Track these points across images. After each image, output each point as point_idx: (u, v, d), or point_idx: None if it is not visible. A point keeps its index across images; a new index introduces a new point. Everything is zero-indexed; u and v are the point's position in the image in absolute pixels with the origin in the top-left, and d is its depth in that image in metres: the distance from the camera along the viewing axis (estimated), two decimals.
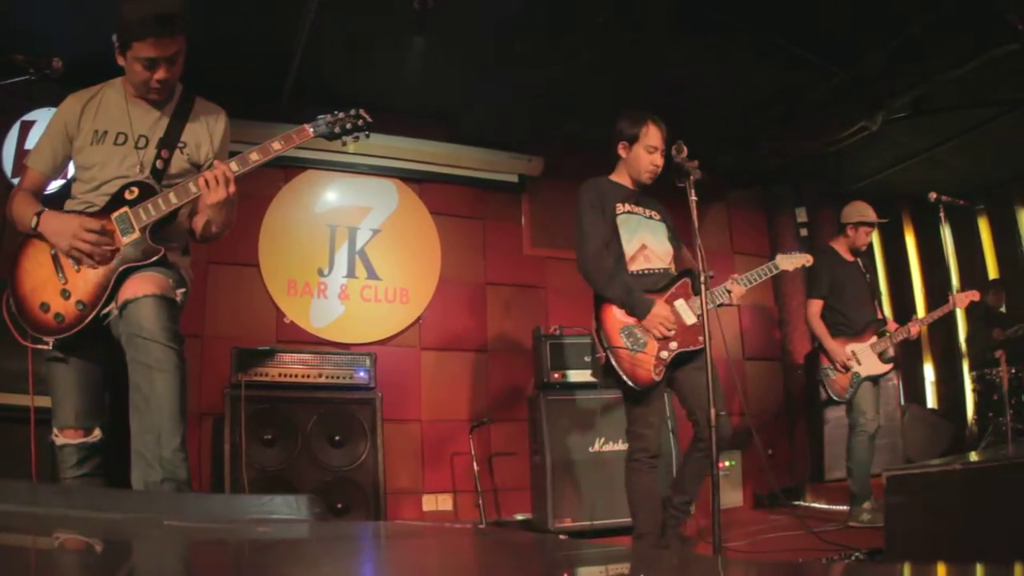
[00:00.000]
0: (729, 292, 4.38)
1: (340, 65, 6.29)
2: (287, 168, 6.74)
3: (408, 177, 7.26)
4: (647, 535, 4.18)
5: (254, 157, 3.31)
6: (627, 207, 4.43)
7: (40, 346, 3.16)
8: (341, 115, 3.49)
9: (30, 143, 5.94)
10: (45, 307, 3.14)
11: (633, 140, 4.42)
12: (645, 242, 4.38)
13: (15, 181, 5.81)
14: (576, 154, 7.59)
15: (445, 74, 6.34)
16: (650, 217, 4.48)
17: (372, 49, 6.04)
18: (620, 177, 4.58)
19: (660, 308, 4.18)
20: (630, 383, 4.14)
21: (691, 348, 4.19)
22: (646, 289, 4.28)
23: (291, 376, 5.59)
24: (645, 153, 4.38)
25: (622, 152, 4.50)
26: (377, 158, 7.01)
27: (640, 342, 4.18)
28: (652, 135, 4.41)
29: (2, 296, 3.22)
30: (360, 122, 3.51)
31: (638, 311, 4.20)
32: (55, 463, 3.30)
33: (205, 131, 3.51)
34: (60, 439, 3.20)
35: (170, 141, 3.38)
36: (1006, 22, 5.30)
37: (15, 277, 3.21)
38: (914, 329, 6.01)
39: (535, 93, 6.64)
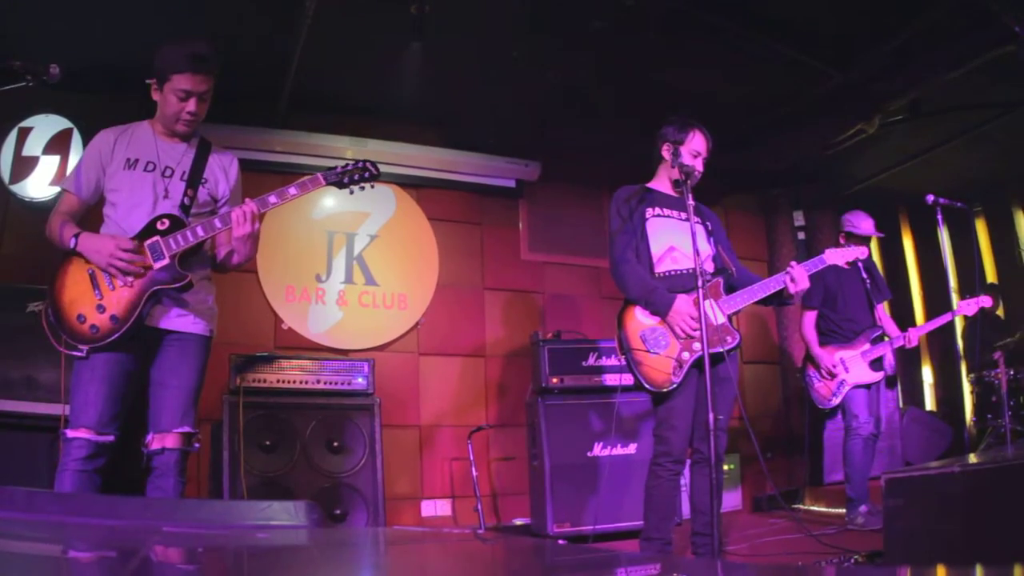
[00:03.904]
0: (791, 276, 4.29)
1: (338, 71, 6.30)
2: (284, 175, 6.72)
3: (406, 183, 7.26)
4: (655, 540, 4.18)
5: (272, 200, 3.72)
6: (658, 210, 4.43)
7: (74, 352, 3.47)
8: (351, 166, 3.92)
9: (27, 149, 5.97)
10: (82, 319, 3.47)
11: (678, 143, 4.41)
12: (673, 243, 4.36)
13: (12, 188, 5.84)
14: (574, 159, 7.63)
15: (442, 79, 6.34)
16: (685, 219, 4.45)
17: (369, 54, 6.04)
18: (659, 181, 4.61)
19: (682, 304, 4.15)
20: (647, 385, 4.15)
21: (717, 349, 4.16)
22: (672, 289, 4.26)
23: (289, 382, 5.58)
24: (689, 157, 4.37)
25: (665, 154, 4.50)
26: None
27: (660, 344, 4.17)
28: (697, 141, 4.44)
29: (36, 312, 3.68)
30: (367, 174, 3.95)
31: (660, 309, 4.19)
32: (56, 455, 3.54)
33: (222, 171, 3.92)
34: (73, 433, 3.40)
35: (195, 179, 3.78)
36: (1003, 24, 5.30)
37: (56, 290, 3.53)
38: (912, 337, 5.99)
39: (533, 98, 6.65)
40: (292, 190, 3.74)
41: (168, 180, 3.71)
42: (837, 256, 4.63)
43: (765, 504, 7.51)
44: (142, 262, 3.50)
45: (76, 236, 3.54)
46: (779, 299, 4.46)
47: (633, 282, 4.28)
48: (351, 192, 3.94)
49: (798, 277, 4.30)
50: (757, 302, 4.43)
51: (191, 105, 3.64)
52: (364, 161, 3.95)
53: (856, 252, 4.74)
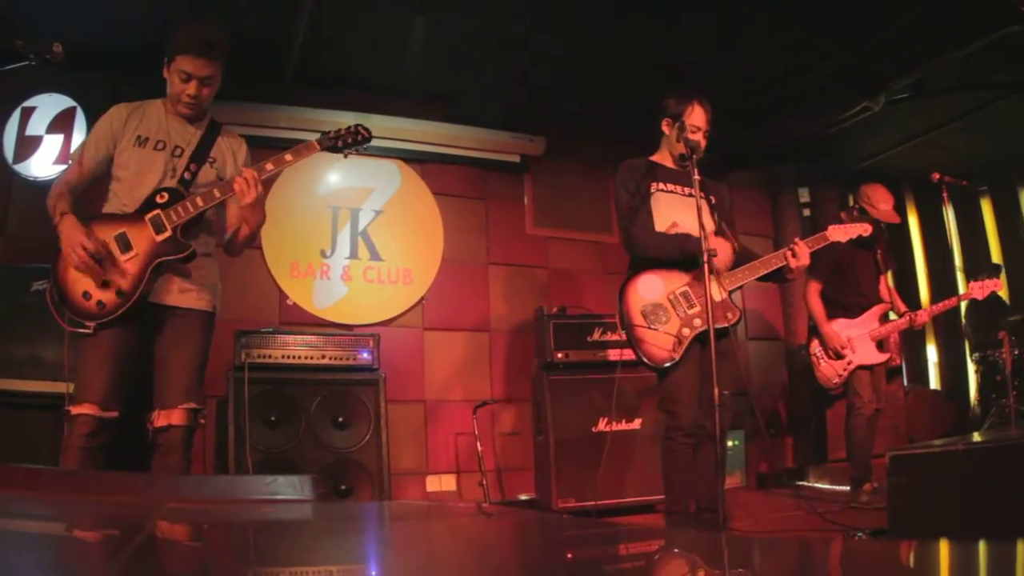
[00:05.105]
0: (793, 251, 4.32)
1: (342, 47, 6.27)
2: (289, 150, 6.73)
3: (410, 158, 7.24)
4: (676, 513, 4.20)
5: (268, 166, 3.76)
6: (662, 185, 4.41)
7: (81, 330, 3.49)
8: (343, 131, 3.94)
9: (31, 129, 5.95)
10: (87, 295, 3.49)
11: (677, 118, 4.40)
12: (676, 219, 4.34)
13: (16, 167, 5.83)
14: (578, 134, 7.59)
15: (447, 55, 6.32)
16: (689, 195, 4.43)
17: (374, 30, 6.02)
18: (661, 156, 4.58)
19: (719, 241, 4.19)
20: (647, 361, 4.16)
21: (719, 325, 4.14)
22: (675, 264, 4.27)
23: (294, 358, 5.60)
24: (689, 131, 4.33)
25: (665, 129, 4.49)
26: (379, 139, 6.88)
27: (661, 320, 4.17)
28: (696, 115, 4.39)
29: (40, 291, 3.71)
30: (360, 137, 3.96)
31: (694, 248, 4.14)
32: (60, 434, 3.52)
33: (231, 153, 3.95)
34: (76, 409, 3.41)
35: (200, 156, 3.79)
36: (1008, 3, 5.27)
37: (59, 268, 3.54)
38: (920, 319, 5.94)
39: (537, 73, 6.62)
40: (288, 156, 3.79)
41: (178, 160, 3.73)
42: (840, 233, 4.61)
43: (769, 481, 7.52)
44: (99, 268, 3.47)
45: (63, 215, 3.53)
46: (779, 276, 4.46)
47: (659, 241, 4.29)
48: (345, 156, 3.99)
49: (800, 253, 4.31)
50: (757, 279, 4.43)
51: (191, 88, 3.67)
52: (357, 126, 3.97)
53: (859, 228, 4.70)
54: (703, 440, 4.24)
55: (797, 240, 4.39)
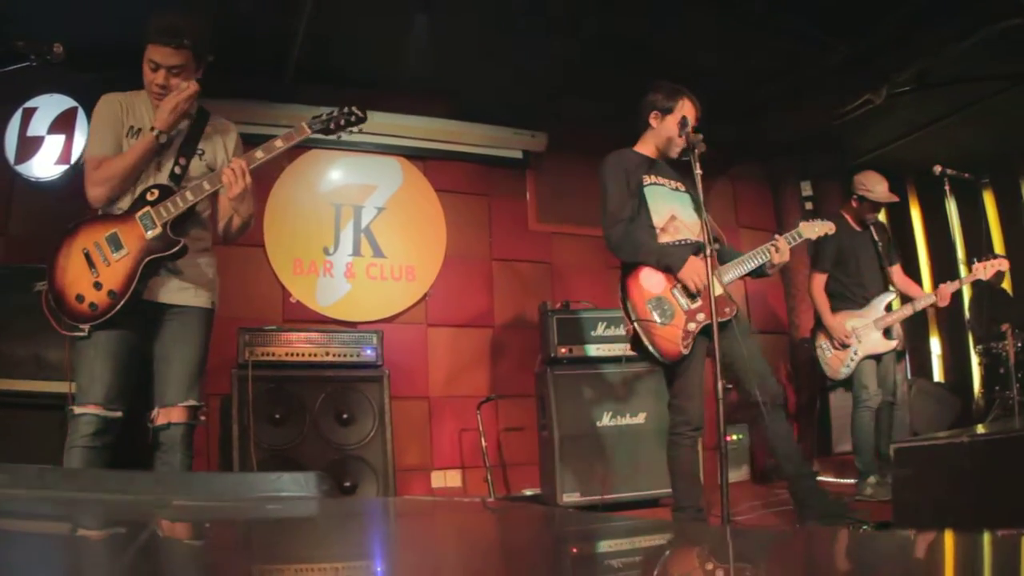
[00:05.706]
0: (775, 247, 4.33)
1: (343, 44, 6.28)
2: (290, 148, 6.72)
3: (412, 155, 7.25)
4: (687, 508, 4.18)
5: (259, 155, 3.67)
6: (653, 178, 4.41)
7: (76, 333, 3.47)
8: (335, 112, 3.88)
9: (32, 130, 5.95)
10: (80, 298, 3.45)
11: (666, 112, 4.37)
12: (675, 213, 4.34)
13: (18, 168, 5.83)
14: (580, 129, 7.59)
15: (448, 51, 6.31)
16: (676, 189, 4.44)
17: (375, 27, 6.02)
18: (645, 148, 4.55)
19: (695, 261, 4.14)
20: (658, 356, 4.14)
21: (719, 319, 4.13)
22: None
23: (298, 355, 5.59)
24: (677, 127, 4.26)
25: (653, 122, 4.46)
26: (381, 136, 6.98)
27: (667, 314, 4.16)
28: (687, 110, 4.35)
29: (41, 292, 3.56)
30: (353, 118, 3.89)
31: (674, 264, 4.17)
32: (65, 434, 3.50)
33: (220, 142, 3.87)
34: (81, 409, 3.40)
35: (188, 149, 3.73)
36: None
37: (53, 273, 3.50)
38: (944, 295, 5.83)
39: (538, 69, 6.62)
40: (278, 142, 3.72)
41: (165, 152, 3.68)
42: (810, 230, 4.65)
43: (773, 475, 7.51)
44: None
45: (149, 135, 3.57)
46: (760, 271, 4.46)
47: (641, 244, 4.27)
48: (338, 138, 3.93)
49: (783, 248, 4.32)
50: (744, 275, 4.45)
51: (159, 77, 3.61)
52: (349, 106, 3.90)
53: (825, 227, 4.73)
54: (771, 411, 4.20)
55: (777, 236, 4.41)
